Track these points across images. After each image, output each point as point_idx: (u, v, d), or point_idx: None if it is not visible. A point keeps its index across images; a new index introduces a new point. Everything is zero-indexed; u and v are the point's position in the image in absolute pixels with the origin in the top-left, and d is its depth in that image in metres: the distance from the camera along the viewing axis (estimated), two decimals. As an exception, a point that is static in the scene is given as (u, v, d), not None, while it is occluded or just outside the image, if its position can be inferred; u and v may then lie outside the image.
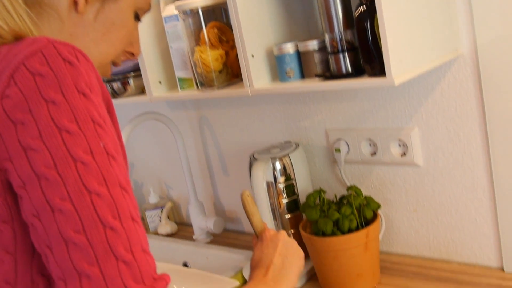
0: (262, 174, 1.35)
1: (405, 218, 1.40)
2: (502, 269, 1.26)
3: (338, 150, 1.41)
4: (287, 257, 0.95)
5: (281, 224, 1.42)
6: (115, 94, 1.57)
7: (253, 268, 0.96)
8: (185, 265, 1.79)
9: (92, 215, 0.61)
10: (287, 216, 1.42)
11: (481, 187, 1.25)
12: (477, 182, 1.25)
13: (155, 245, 1.90)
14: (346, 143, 1.41)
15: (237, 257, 1.59)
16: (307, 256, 1.37)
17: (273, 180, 1.39)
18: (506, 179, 1.19)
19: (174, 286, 1.22)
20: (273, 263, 0.94)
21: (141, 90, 1.57)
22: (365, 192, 1.39)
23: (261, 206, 1.37)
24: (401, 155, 1.34)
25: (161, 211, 1.97)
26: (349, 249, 1.25)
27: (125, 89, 1.56)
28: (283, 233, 0.99)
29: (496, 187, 1.22)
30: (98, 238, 0.60)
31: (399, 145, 1.34)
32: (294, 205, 1.42)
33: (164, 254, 1.86)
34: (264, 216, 1.38)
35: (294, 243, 1.00)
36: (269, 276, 0.92)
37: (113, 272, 0.60)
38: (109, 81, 1.56)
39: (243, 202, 1.01)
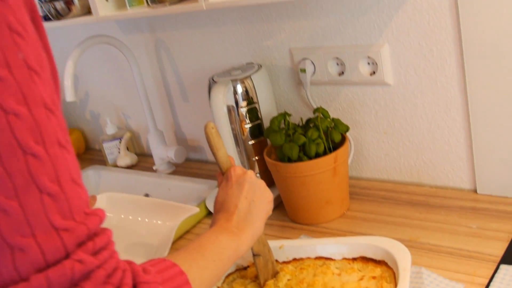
0: (222, 98, 1.25)
1: (375, 140, 1.33)
2: (475, 191, 1.21)
3: (303, 71, 1.31)
4: (254, 201, 0.87)
5: (244, 151, 1.33)
6: (59, 15, 1.43)
7: (216, 211, 0.88)
8: (147, 196, 1.71)
9: (10, 140, 0.50)
10: (251, 142, 1.33)
11: (455, 106, 1.18)
12: (451, 101, 1.18)
13: (114, 177, 1.82)
14: (312, 62, 1.31)
15: (200, 187, 1.51)
16: (272, 184, 1.30)
17: (234, 104, 1.29)
18: (481, 97, 1.12)
19: (130, 216, 1.14)
20: (238, 208, 0.85)
21: (88, 10, 1.42)
22: (332, 114, 1.31)
23: (222, 132, 1.27)
24: (371, 74, 1.25)
25: (120, 142, 1.87)
26: (317, 174, 1.18)
27: (69, 9, 1.42)
28: (250, 174, 0.90)
29: (470, 105, 1.14)
30: (17, 167, 0.50)
31: (368, 63, 1.24)
32: (257, 130, 1.33)
33: (125, 186, 1.78)
34: (226, 143, 1.29)
35: (262, 184, 0.91)
36: (233, 223, 0.84)
37: (36, 206, 0.51)
38: (51, 1, 1.42)
39: (207, 135, 0.90)
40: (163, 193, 1.66)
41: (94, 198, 1.14)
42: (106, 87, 1.91)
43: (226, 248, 0.80)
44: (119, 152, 1.88)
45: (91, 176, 1.86)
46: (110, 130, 1.89)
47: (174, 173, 1.73)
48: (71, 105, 2.07)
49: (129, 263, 0.60)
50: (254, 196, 0.88)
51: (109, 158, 1.91)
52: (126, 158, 1.86)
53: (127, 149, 1.89)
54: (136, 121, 1.90)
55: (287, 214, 1.29)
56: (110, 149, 1.90)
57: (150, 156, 1.78)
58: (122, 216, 1.13)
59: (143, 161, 1.90)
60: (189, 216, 1.05)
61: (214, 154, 0.91)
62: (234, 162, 0.93)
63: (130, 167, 1.87)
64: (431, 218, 1.15)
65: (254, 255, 0.96)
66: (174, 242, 1.30)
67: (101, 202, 1.13)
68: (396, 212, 1.20)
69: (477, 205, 1.16)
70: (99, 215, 0.57)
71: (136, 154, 1.94)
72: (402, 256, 0.91)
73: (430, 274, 0.98)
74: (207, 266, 0.74)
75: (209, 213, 1.40)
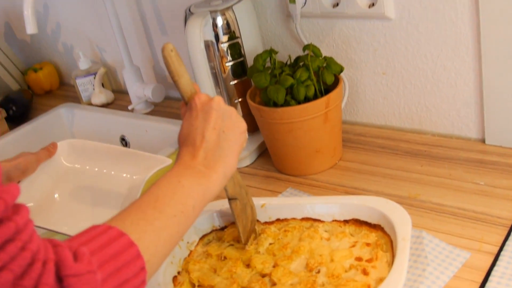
0: (198, 32, 1.09)
1: (372, 82, 1.18)
2: (483, 141, 1.08)
3: (293, 1, 1.14)
4: (224, 132, 0.73)
5: (225, 92, 1.19)
6: None
7: (181, 146, 0.74)
8: (123, 139, 1.58)
9: None
10: (233, 82, 1.18)
11: (465, 45, 1.03)
12: (460, 38, 1.03)
13: (88, 117, 1.67)
14: (304, -9, 1.14)
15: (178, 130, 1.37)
16: (256, 130, 1.16)
17: (213, 39, 1.13)
18: (496, 35, 0.97)
19: (96, 168, 1.01)
20: (204, 140, 0.71)
21: None
22: (325, 52, 1.16)
23: (199, 71, 1.12)
24: (369, 6, 1.09)
25: (94, 78, 1.71)
26: (306, 121, 1.04)
27: None
28: (217, 100, 0.75)
29: (483, 44, 0.99)
30: None
31: (368, -7, 1.08)
32: (240, 69, 1.18)
33: (99, 127, 1.64)
34: (204, 82, 1.14)
35: (232, 112, 0.76)
36: (200, 159, 0.70)
37: None
38: None
39: (166, 59, 0.75)
40: (140, 136, 1.53)
41: (54, 146, 1.01)
42: (79, 18, 1.73)
43: (191, 194, 0.66)
44: (93, 89, 1.73)
45: (63, 115, 1.72)
46: (83, 64, 1.73)
47: (152, 113, 1.59)
48: (42, 36, 1.90)
49: (57, 247, 0.47)
50: (224, 126, 0.73)
51: (83, 95, 1.76)
52: (101, 96, 1.71)
53: (103, 85, 1.74)
54: (111, 55, 1.74)
55: (273, 163, 1.17)
56: (84, 85, 1.75)
57: (128, 93, 1.63)
58: (87, 167, 0.99)
59: (120, 99, 1.75)
60: (159, 169, 0.92)
61: (175, 82, 0.76)
62: (199, 89, 0.78)
63: (105, 105, 1.72)
64: (433, 171, 1.03)
65: (229, 199, 0.83)
66: (145, 195, 1.17)
67: (62, 150, 0.99)
68: (394, 164, 1.08)
69: (485, 157, 1.03)
70: (10, 191, 0.43)
71: (113, 91, 1.79)
72: (401, 221, 0.78)
73: (431, 239, 0.86)
74: (166, 225, 0.61)
75: (187, 161, 1.27)
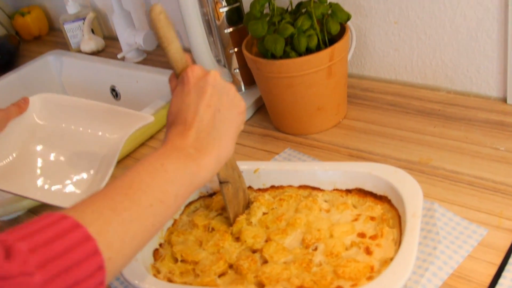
0: (189, -27, 0.97)
1: (382, 32, 1.06)
2: (505, 100, 0.97)
3: None
4: (219, 111, 0.63)
5: (219, 41, 1.07)
6: None
7: (169, 125, 0.63)
8: (113, 89, 1.48)
9: None
10: (227, 30, 1.07)
11: (490, -10, 0.90)
12: (485, -17, 0.90)
13: (77, 65, 1.57)
14: None
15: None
16: (253, 83, 1.05)
17: (206, -19, 1.01)
18: (528, -22, 0.84)
19: (72, 126, 0.91)
20: (197, 119, 0.61)
21: None
22: (331, -2, 1.04)
23: (190, 17, 1.00)
24: None
25: (83, 23, 1.60)
26: (307, 75, 0.93)
27: None
28: (214, 75, 0.64)
29: (511, -11, 0.87)
30: None
31: None
32: (236, 15, 1.06)
33: (89, 76, 1.55)
34: (195, 31, 1.03)
35: (230, 89, 0.66)
36: (190, 140, 0.60)
37: None
38: None
39: (153, 23, 0.64)
40: (131, 86, 1.43)
41: (25, 101, 0.91)
42: (66, -44, 1.60)
43: (175, 180, 0.56)
44: (83, 35, 1.61)
45: (51, 63, 1.62)
46: (71, 8, 1.61)
47: (143, 62, 1.48)
48: (28, -23, 1.77)
49: None
50: (220, 105, 0.63)
51: (72, 42, 1.65)
52: (91, 43, 1.60)
53: (92, 31, 1.63)
54: (101, -2, 1.62)
55: (271, 121, 1.06)
56: (73, 31, 1.63)
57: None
58: (63, 125, 0.89)
59: (112, 46, 1.64)
60: (140, 127, 0.83)
61: (164, 49, 0.65)
62: (191, 61, 0.67)
63: (96, 53, 1.61)
64: (447, 133, 0.92)
65: (220, 182, 0.74)
66: (129, 155, 1.08)
67: (34, 106, 0.89)
68: (404, 124, 0.97)
69: (506, 119, 0.93)
70: None
71: (105, 37, 1.68)
72: (412, 195, 0.68)
73: (444, 212, 0.76)
74: (139, 216, 0.52)
75: (178, 116, 1.17)
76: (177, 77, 0.66)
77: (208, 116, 0.61)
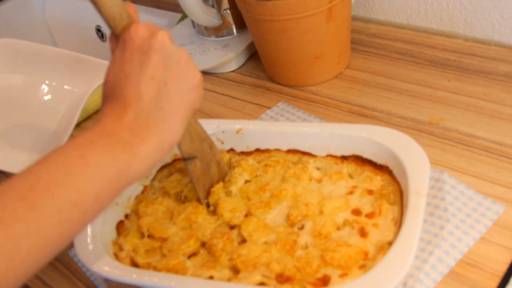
0: None
1: (394, -32, 0.93)
2: (531, 50, 0.84)
3: None
4: (166, 85, 0.49)
5: (207, -22, 0.94)
6: None
7: (105, 100, 0.50)
8: (98, 30, 1.36)
9: None
10: (216, -35, 0.93)
11: None
12: None
13: (60, 4, 1.45)
14: None
15: (158, 22, 1.16)
16: (244, 27, 0.93)
17: None
18: None
19: (32, 76, 0.80)
20: (138, 95, 0.48)
21: None
22: None
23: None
24: None
25: (67, -45, 1.46)
26: (304, 18, 0.81)
27: None
28: (163, 36, 0.50)
29: None
30: None
31: None
32: None
33: (75, 15, 1.42)
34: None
35: (183, 56, 0.51)
36: (126, 121, 0.47)
37: None
38: None
39: None
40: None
41: None
42: None
43: (97, 177, 0.44)
44: (67, -32, 1.48)
45: (34, 2, 1.49)
46: None
47: (133, 1, 1.35)
48: None
49: None
50: (167, 77, 0.50)
51: (57, -24, 1.51)
52: (76, -23, 1.46)
53: (78, -36, 1.48)
54: None
55: (264, 69, 0.95)
56: (57, -37, 1.49)
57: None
58: (23, 76, 0.78)
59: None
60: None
61: (94, 2, 0.52)
62: (137, 15, 0.55)
63: (82, -12, 1.48)
64: (463, 89, 0.80)
65: (184, 159, 0.63)
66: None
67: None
68: (414, 76, 0.85)
69: (532, 72, 0.80)
70: None
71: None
72: (417, 167, 0.58)
73: (455, 184, 0.66)
74: (38, 226, 0.39)
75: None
76: (117, 38, 0.52)
77: (152, 91, 0.48)
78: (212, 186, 0.66)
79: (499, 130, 0.72)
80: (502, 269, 0.56)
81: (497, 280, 0.55)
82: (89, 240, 0.59)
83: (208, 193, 0.65)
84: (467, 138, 0.72)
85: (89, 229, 0.60)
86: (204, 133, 0.63)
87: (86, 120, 0.93)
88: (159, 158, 0.49)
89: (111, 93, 0.49)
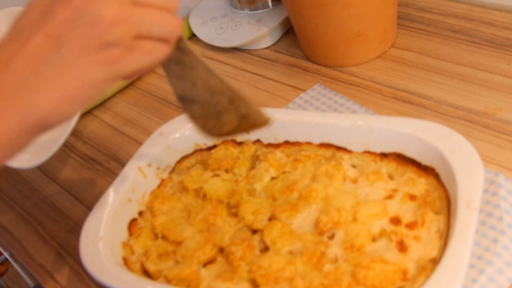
0: None
1: None
2: None
3: None
4: (60, 49, 0.37)
5: None
6: None
7: (5, 37, 0.39)
8: None
9: None
10: None
11: None
12: None
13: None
14: None
15: None
16: (280, 1, 0.85)
17: None
18: None
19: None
20: (24, 51, 0.37)
21: None
22: None
23: None
24: None
25: None
26: (345, -8, 0.72)
27: None
28: None
29: None
30: None
31: None
32: None
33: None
34: None
35: (97, 10, 0.37)
36: (9, 79, 0.37)
37: None
38: None
39: None
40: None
41: None
42: None
43: None
44: None
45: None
46: None
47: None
48: None
49: None
50: (66, 40, 0.37)
51: None
52: None
53: None
54: None
55: (300, 47, 0.86)
56: None
57: None
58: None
59: None
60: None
61: None
62: None
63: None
64: (525, 74, 0.71)
65: (178, 98, 0.52)
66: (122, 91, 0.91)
67: (1, 23, 0.73)
68: (468, 58, 0.76)
69: None
70: None
71: None
72: (468, 172, 0.49)
73: (512, 189, 0.57)
74: None
75: (192, 36, 0.98)
76: None
77: (36, 51, 0.37)
78: (226, 133, 0.55)
79: None
80: None
81: (559, 308, 0.47)
82: (96, 243, 0.53)
83: (213, 133, 0.55)
84: (529, 132, 0.63)
85: (96, 230, 0.55)
86: (222, 86, 0.51)
87: (98, 107, 0.88)
88: (22, 139, 0.38)
89: (8, 34, 0.39)
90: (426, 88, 0.73)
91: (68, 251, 0.67)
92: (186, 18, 0.98)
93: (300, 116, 0.62)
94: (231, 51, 0.92)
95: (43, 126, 0.38)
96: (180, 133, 0.65)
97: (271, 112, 0.61)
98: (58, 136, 0.68)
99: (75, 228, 0.69)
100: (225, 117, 0.54)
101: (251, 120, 0.54)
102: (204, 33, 0.94)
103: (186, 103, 0.53)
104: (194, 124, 0.54)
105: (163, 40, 0.41)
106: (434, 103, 0.70)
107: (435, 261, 0.47)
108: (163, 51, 0.41)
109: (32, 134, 0.38)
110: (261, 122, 0.54)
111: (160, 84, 0.90)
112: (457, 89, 0.71)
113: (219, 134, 0.55)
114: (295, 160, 0.61)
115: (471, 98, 0.69)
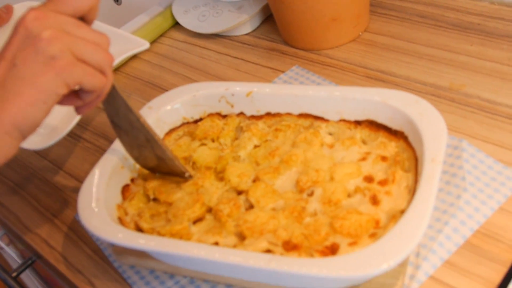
0: None
1: None
2: (562, 13, 0.80)
3: None
4: (16, 66, 0.45)
5: None
6: None
7: None
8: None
9: None
10: None
11: None
12: None
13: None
14: None
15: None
16: None
17: None
18: None
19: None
20: None
21: None
22: None
23: None
24: None
25: None
26: (321, -22, 0.77)
27: None
28: (34, 14, 0.45)
29: None
30: None
31: None
32: None
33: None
34: None
35: (47, 37, 0.44)
36: None
37: None
38: None
39: None
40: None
41: (8, 9, 0.78)
42: None
43: None
44: None
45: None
46: None
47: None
48: None
49: None
50: (19, 58, 0.45)
51: None
52: None
53: None
54: None
55: (278, 32, 0.91)
56: None
57: None
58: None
59: None
60: (133, 54, 0.70)
61: None
62: None
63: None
64: (486, 54, 0.77)
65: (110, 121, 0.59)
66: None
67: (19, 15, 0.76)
68: (436, 40, 0.81)
69: (561, 37, 0.76)
70: None
71: None
72: (434, 133, 0.55)
73: (474, 152, 0.62)
74: None
75: (176, 24, 1.03)
76: None
77: (3, 70, 0.45)
78: (151, 169, 0.63)
79: (524, 97, 0.68)
80: (521, 241, 0.54)
81: (515, 253, 0.53)
82: (93, 204, 0.57)
83: (139, 163, 0.63)
84: (489, 105, 0.69)
85: (93, 192, 0.59)
86: (139, 124, 0.58)
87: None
88: (5, 141, 0.46)
89: None
90: (397, 67, 0.78)
91: (62, 220, 0.71)
92: (169, 7, 1.03)
93: (280, 89, 0.66)
94: (213, 38, 0.97)
95: (20, 129, 0.46)
96: (169, 107, 0.69)
97: (253, 86, 0.66)
98: (66, 121, 0.71)
99: (68, 200, 0.73)
100: (145, 152, 0.60)
101: (168, 165, 0.61)
102: (187, 21, 0.98)
103: (115, 127, 0.59)
104: (124, 148, 0.61)
105: (98, 69, 0.47)
106: (404, 80, 0.76)
107: (404, 212, 0.52)
108: (100, 78, 0.48)
109: (16, 137, 0.46)
110: (178, 172, 0.61)
111: (146, 69, 0.94)
112: (425, 68, 0.77)
113: (145, 167, 0.63)
114: (276, 129, 0.66)
115: (438, 75, 0.75)
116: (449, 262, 0.54)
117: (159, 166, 0.62)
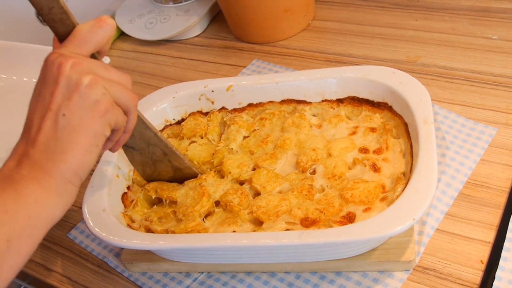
0: None
1: None
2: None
3: None
4: (64, 116, 0.46)
5: None
6: None
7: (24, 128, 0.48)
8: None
9: None
10: None
11: None
12: None
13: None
14: None
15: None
16: (206, -11, 0.91)
17: None
18: None
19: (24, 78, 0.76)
20: (36, 129, 0.46)
21: None
22: None
23: None
24: None
25: None
26: (270, -28, 0.80)
27: None
28: (71, 63, 0.45)
29: None
30: None
31: None
32: None
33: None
34: None
35: (87, 83, 0.45)
36: (36, 155, 0.46)
37: None
38: None
39: None
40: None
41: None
42: None
43: (3, 220, 0.43)
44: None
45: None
46: None
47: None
48: None
49: None
50: (66, 107, 0.46)
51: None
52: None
53: None
54: None
55: (229, 27, 0.94)
56: None
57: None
58: (14, 77, 0.75)
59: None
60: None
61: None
62: (74, 20, 0.48)
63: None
64: (431, 26, 0.83)
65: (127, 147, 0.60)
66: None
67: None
68: (381, 20, 0.87)
69: (493, 4, 0.84)
70: None
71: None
72: (419, 98, 0.59)
73: (447, 114, 0.68)
74: None
75: (121, 34, 1.02)
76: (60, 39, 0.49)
77: (50, 123, 0.46)
78: (159, 179, 0.64)
79: (475, 60, 0.75)
80: (507, 184, 0.59)
81: (505, 195, 0.58)
82: (102, 215, 0.57)
83: (151, 180, 0.64)
84: (447, 71, 0.75)
85: (98, 204, 0.58)
86: (156, 139, 0.59)
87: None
88: (69, 189, 0.47)
89: (27, 118, 0.48)
90: (353, 49, 0.83)
91: (54, 241, 0.69)
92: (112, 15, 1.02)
93: (259, 79, 0.69)
94: (163, 43, 0.97)
95: (80, 175, 0.47)
96: (151, 111, 0.69)
97: (232, 80, 0.68)
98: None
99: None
100: (161, 166, 0.61)
101: (185, 174, 0.63)
102: (133, 30, 0.98)
103: (127, 149, 0.60)
104: (135, 168, 0.63)
105: (126, 109, 0.49)
106: (363, 59, 0.80)
107: (405, 174, 0.56)
108: (124, 117, 0.50)
109: (75, 183, 0.47)
110: (193, 174, 0.63)
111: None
112: (379, 46, 0.82)
113: (156, 180, 0.64)
114: (261, 118, 0.68)
115: (393, 51, 0.80)
116: (450, 214, 0.58)
117: (173, 177, 0.63)
